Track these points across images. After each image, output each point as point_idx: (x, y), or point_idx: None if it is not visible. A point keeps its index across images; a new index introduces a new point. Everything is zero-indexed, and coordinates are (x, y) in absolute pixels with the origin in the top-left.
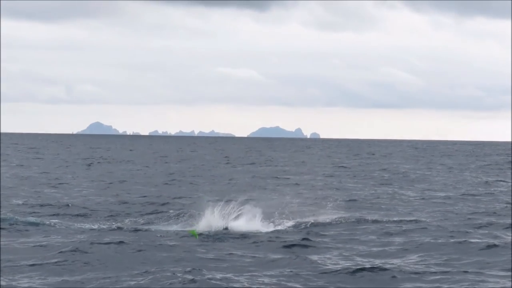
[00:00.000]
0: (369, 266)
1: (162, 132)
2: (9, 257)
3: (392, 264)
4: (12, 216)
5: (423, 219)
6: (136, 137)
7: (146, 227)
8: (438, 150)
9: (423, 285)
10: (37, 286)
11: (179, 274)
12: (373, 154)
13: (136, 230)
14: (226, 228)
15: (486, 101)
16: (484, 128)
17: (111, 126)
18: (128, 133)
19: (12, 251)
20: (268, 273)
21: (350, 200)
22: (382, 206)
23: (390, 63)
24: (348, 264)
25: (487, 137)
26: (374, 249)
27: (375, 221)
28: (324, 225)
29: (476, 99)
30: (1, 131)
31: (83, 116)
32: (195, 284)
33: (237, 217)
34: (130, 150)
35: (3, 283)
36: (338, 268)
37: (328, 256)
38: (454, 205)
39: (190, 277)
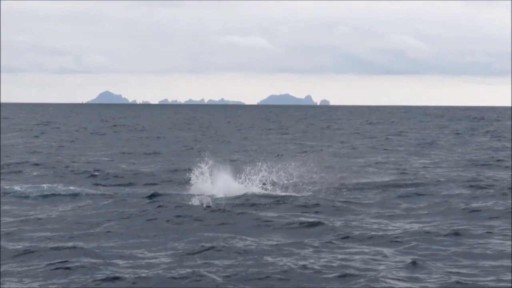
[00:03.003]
0: (380, 230)
1: (172, 100)
2: (26, 228)
3: (397, 227)
4: (26, 186)
5: (432, 185)
6: (146, 106)
7: (163, 193)
8: (447, 116)
9: (433, 246)
10: (55, 259)
11: (201, 244)
12: (384, 120)
13: (154, 200)
14: (244, 194)
15: (495, 67)
16: (493, 93)
17: (120, 95)
18: (138, 102)
19: (29, 223)
20: (288, 240)
21: (364, 166)
22: (395, 171)
23: (400, 29)
24: (357, 228)
25: (496, 102)
26: (385, 213)
27: (387, 187)
28: (339, 190)
29: (485, 65)
30: (11, 102)
31: (92, 86)
32: (217, 253)
33: (254, 184)
34: (142, 118)
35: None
36: (354, 233)
37: (343, 220)
38: (464, 171)
39: (210, 245)
